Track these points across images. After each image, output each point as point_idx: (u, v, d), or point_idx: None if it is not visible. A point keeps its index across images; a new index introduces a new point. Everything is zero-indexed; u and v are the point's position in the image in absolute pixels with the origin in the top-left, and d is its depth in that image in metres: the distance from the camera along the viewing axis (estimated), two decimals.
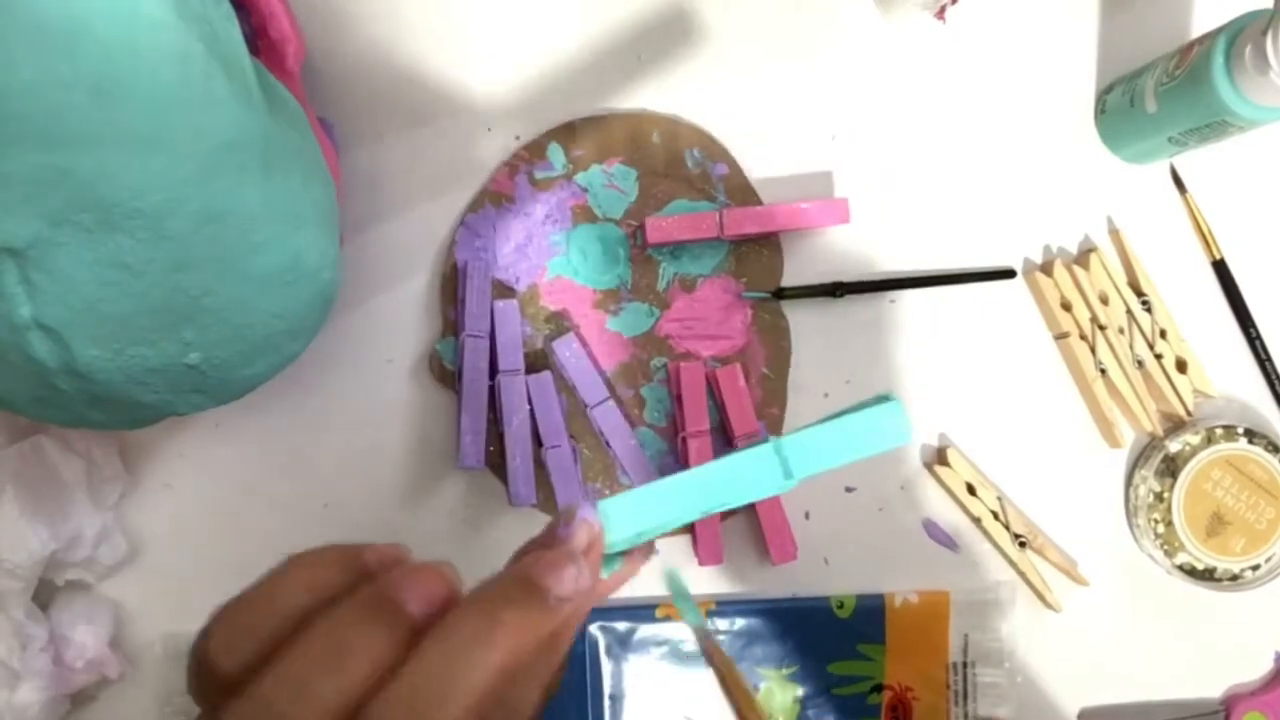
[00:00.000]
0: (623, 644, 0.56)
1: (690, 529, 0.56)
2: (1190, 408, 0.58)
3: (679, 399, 0.55)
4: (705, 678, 0.56)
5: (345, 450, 0.56)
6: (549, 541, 0.29)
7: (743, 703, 0.31)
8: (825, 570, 0.57)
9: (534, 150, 0.56)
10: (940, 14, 0.56)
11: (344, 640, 0.24)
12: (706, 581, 0.57)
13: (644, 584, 0.57)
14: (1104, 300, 0.57)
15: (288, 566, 0.27)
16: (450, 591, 0.26)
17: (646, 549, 0.32)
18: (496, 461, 0.55)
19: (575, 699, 0.56)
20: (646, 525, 0.30)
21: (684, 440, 0.55)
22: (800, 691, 0.57)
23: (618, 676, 0.56)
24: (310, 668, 0.24)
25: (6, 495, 0.50)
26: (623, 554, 0.31)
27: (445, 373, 0.56)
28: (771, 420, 0.56)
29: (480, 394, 0.54)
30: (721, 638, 0.56)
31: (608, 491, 0.56)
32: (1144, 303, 0.57)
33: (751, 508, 0.56)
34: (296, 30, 0.49)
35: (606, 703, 0.56)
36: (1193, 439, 0.57)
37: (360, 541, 0.28)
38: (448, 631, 0.25)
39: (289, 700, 0.24)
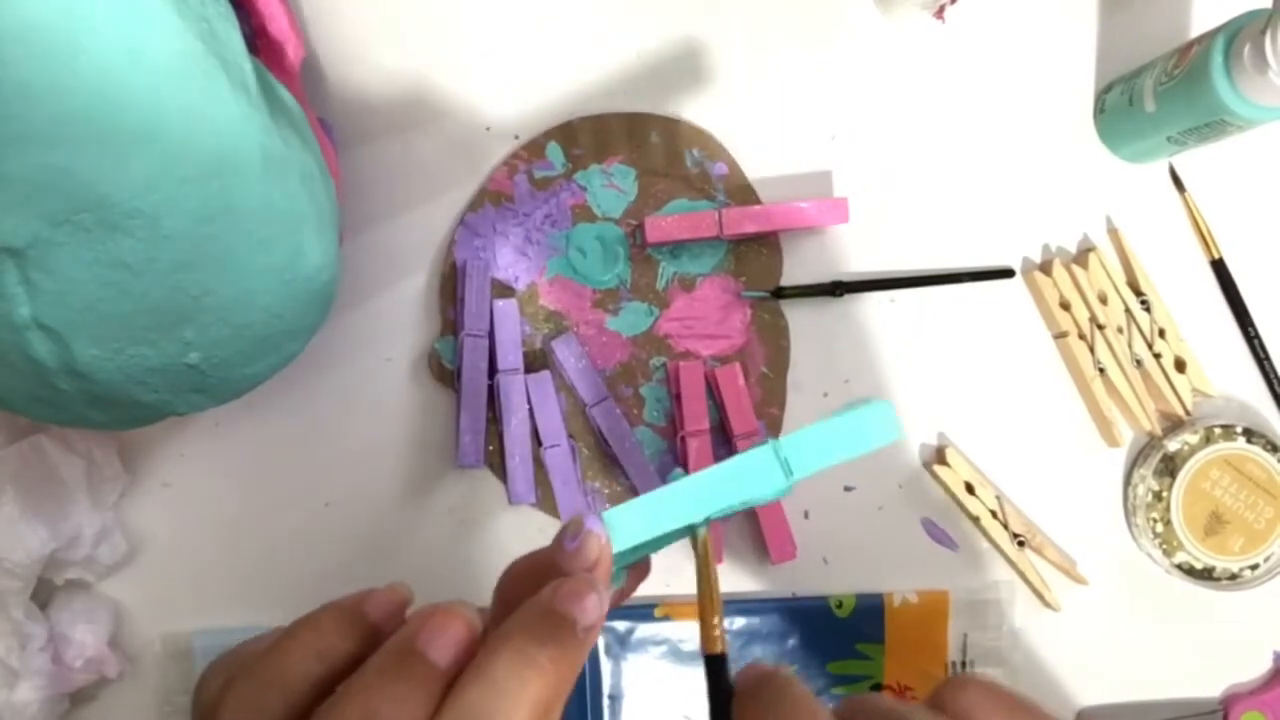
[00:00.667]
0: (622, 644, 0.56)
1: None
2: (1189, 407, 0.58)
3: (678, 398, 0.55)
4: (705, 678, 0.56)
5: (345, 449, 0.56)
6: (555, 555, 0.29)
7: (707, 600, 0.31)
8: (824, 570, 0.57)
9: (533, 150, 0.56)
10: (940, 14, 0.56)
11: (376, 708, 0.24)
12: None
13: (644, 584, 0.57)
14: (1103, 300, 0.57)
15: (291, 634, 0.26)
16: (472, 633, 0.26)
17: (643, 568, 0.32)
18: (495, 460, 0.55)
19: (575, 699, 0.56)
20: (651, 533, 0.30)
21: (683, 439, 0.55)
22: None
23: (617, 676, 0.56)
24: None
25: (6, 495, 0.50)
26: (621, 571, 0.31)
27: (444, 372, 0.56)
28: (771, 420, 0.56)
29: (479, 393, 0.54)
30: None
31: (606, 491, 0.56)
32: (1143, 302, 0.57)
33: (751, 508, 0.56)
34: (296, 30, 0.49)
35: (606, 702, 0.56)
36: (1191, 438, 0.57)
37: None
38: (481, 676, 0.25)
39: None
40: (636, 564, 0.32)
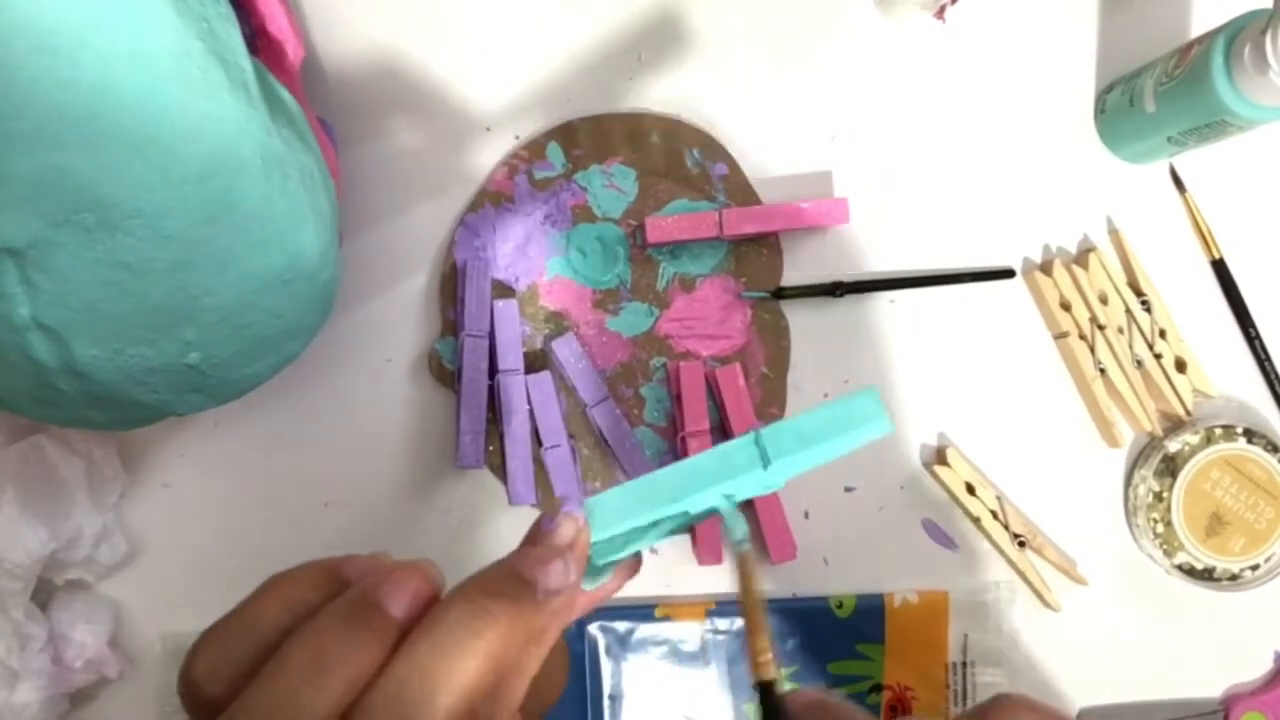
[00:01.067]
0: (622, 644, 0.56)
1: (690, 530, 0.56)
2: (1189, 407, 0.58)
3: (678, 399, 0.55)
4: (705, 677, 0.56)
5: (344, 450, 0.56)
6: (534, 537, 0.29)
7: (755, 626, 0.31)
8: (825, 570, 0.57)
9: (533, 150, 0.56)
10: (940, 14, 0.56)
11: (325, 649, 0.24)
12: (706, 581, 0.57)
13: (643, 583, 0.57)
14: (1103, 300, 0.57)
15: (266, 587, 0.26)
16: (433, 589, 0.26)
17: (633, 564, 0.32)
18: (496, 461, 0.55)
19: (575, 699, 0.56)
20: (631, 520, 0.30)
21: (683, 440, 0.55)
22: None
23: (617, 676, 0.56)
24: (295, 681, 0.24)
25: (6, 495, 0.50)
26: (610, 566, 0.31)
27: (444, 372, 0.56)
28: (771, 420, 0.56)
29: (479, 393, 0.54)
30: (721, 637, 0.56)
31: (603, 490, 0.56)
32: (1143, 302, 0.57)
33: (751, 507, 0.56)
34: (296, 30, 0.49)
35: (606, 703, 0.56)
36: (1192, 439, 0.57)
37: (349, 552, 0.28)
38: (434, 624, 0.25)
39: (279, 714, 0.23)
40: (626, 561, 0.32)
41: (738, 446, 0.31)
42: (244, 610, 0.26)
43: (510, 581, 0.26)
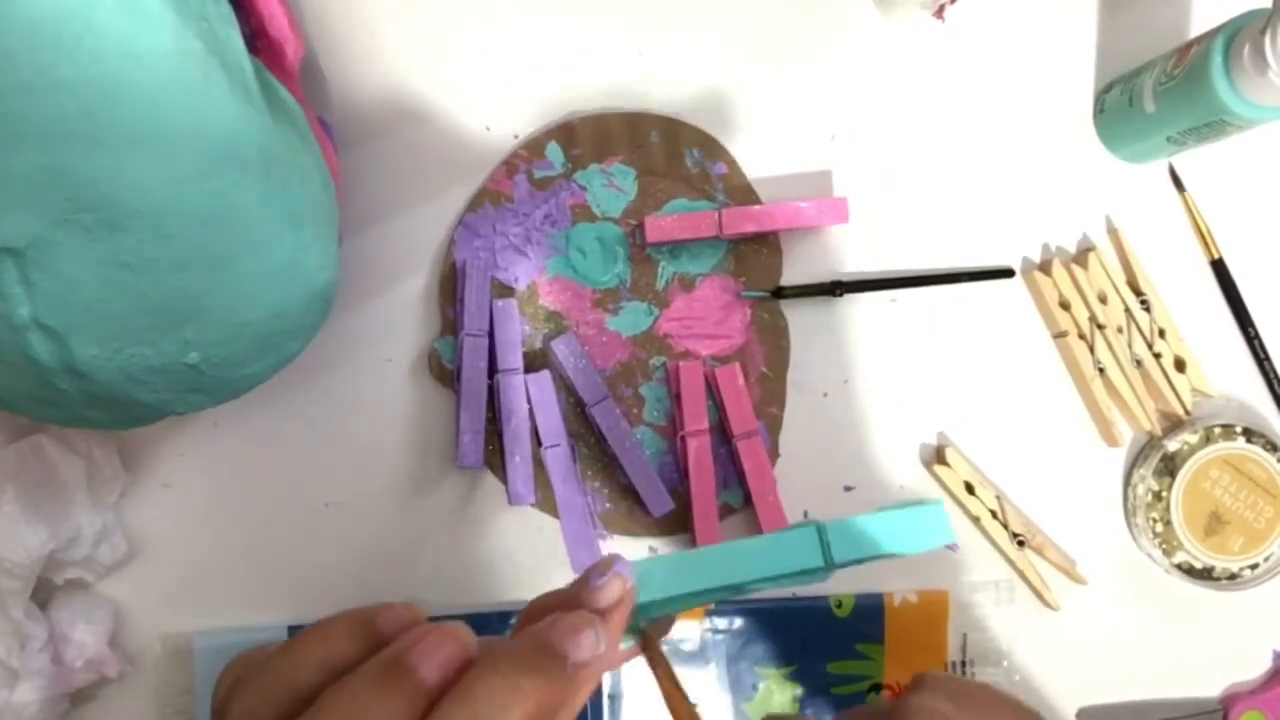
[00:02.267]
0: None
1: (689, 529, 0.56)
2: (1189, 407, 0.58)
3: (678, 398, 0.55)
4: (705, 677, 0.56)
5: (344, 449, 0.56)
6: (579, 590, 0.29)
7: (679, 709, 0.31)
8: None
9: (533, 149, 0.56)
10: (939, 14, 0.56)
11: (356, 712, 0.24)
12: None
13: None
14: (1102, 299, 0.57)
15: (302, 639, 0.27)
16: (465, 654, 0.26)
17: (666, 625, 0.32)
18: (495, 460, 0.55)
19: None
20: (678, 589, 0.30)
21: (683, 439, 0.55)
22: (799, 691, 0.57)
23: (617, 676, 0.56)
24: None
25: (6, 495, 0.50)
26: (644, 628, 0.31)
27: (444, 372, 0.56)
28: (770, 419, 0.56)
29: (479, 393, 0.54)
30: (721, 637, 0.56)
31: (606, 490, 0.56)
32: (1142, 302, 0.57)
33: (750, 506, 0.56)
34: (296, 30, 0.49)
35: (606, 702, 0.56)
36: (1191, 438, 0.57)
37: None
38: (467, 696, 0.25)
39: None
40: (659, 620, 0.32)
41: (798, 537, 0.30)
42: (280, 663, 0.26)
43: (542, 655, 0.26)
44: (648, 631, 0.31)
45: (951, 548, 0.31)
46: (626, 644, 0.31)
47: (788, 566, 0.30)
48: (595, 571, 0.29)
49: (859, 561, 0.31)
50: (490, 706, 0.25)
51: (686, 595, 0.30)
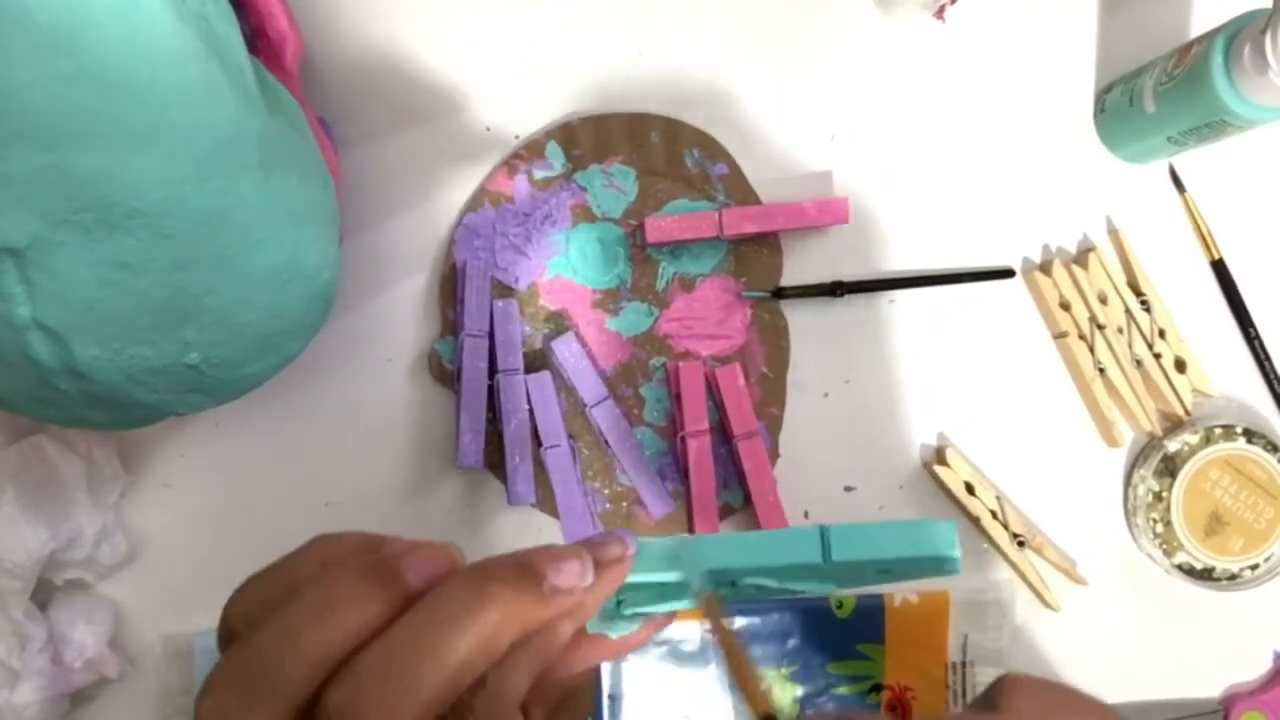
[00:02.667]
0: None
1: (689, 529, 0.56)
2: (1189, 407, 0.58)
3: (678, 398, 0.55)
4: (705, 677, 0.56)
5: (344, 449, 0.56)
6: (579, 541, 0.29)
7: (747, 683, 0.31)
8: None
9: (533, 150, 0.56)
10: (940, 14, 0.56)
11: (335, 595, 0.25)
12: None
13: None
14: (1103, 300, 0.57)
15: (310, 544, 0.28)
16: (451, 567, 0.27)
17: (665, 619, 0.32)
18: (495, 461, 0.55)
19: None
20: (672, 572, 0.30)
21: (683, 440, 0.55)
22: (800, 691, 0.57)
23: (617, 676, 0.56)
24: (302, 618, 0.25)
25: (6, 495, 0.50)
26: (639, 618, 0.31)
27: (444, 372, 0.56)
28: (771, 419, 0.56)
29: (479, 393, 0.54)
30: None
31: (606, 490, 0.56)
32: (1143, 302, 0.57)
33: (750, 506, 0.56)
34: (295, 29, 0.49)
35: (606, 702, 0.56)
36: (1191, 438, 0.57)
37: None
38: (436, 596, 0.25)
39: (277, 648, 0.24)
40: (655, 618, 0.32)
41: (800, 535, 0.30)
42: (284, 562, 0.28)
43: (517, 569, 0.27)
44: (711, 600, 0.31)
45: (951, 570, 0.30)
46: (615, 631, 0.31)
47: (786, 558, 0.30)
48: (597, 535, 0.30)
49: (860, 569, 0.30)
50: (456, 604, 0.25)
51: (678, 585, 0.30)
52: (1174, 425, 0.58)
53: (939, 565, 0.30)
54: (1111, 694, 0.59)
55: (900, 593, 0.57)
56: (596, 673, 0.56)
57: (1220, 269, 0.58)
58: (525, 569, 0.27)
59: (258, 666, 0.24)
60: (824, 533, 0.30)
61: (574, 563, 0.27)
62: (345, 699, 0.24)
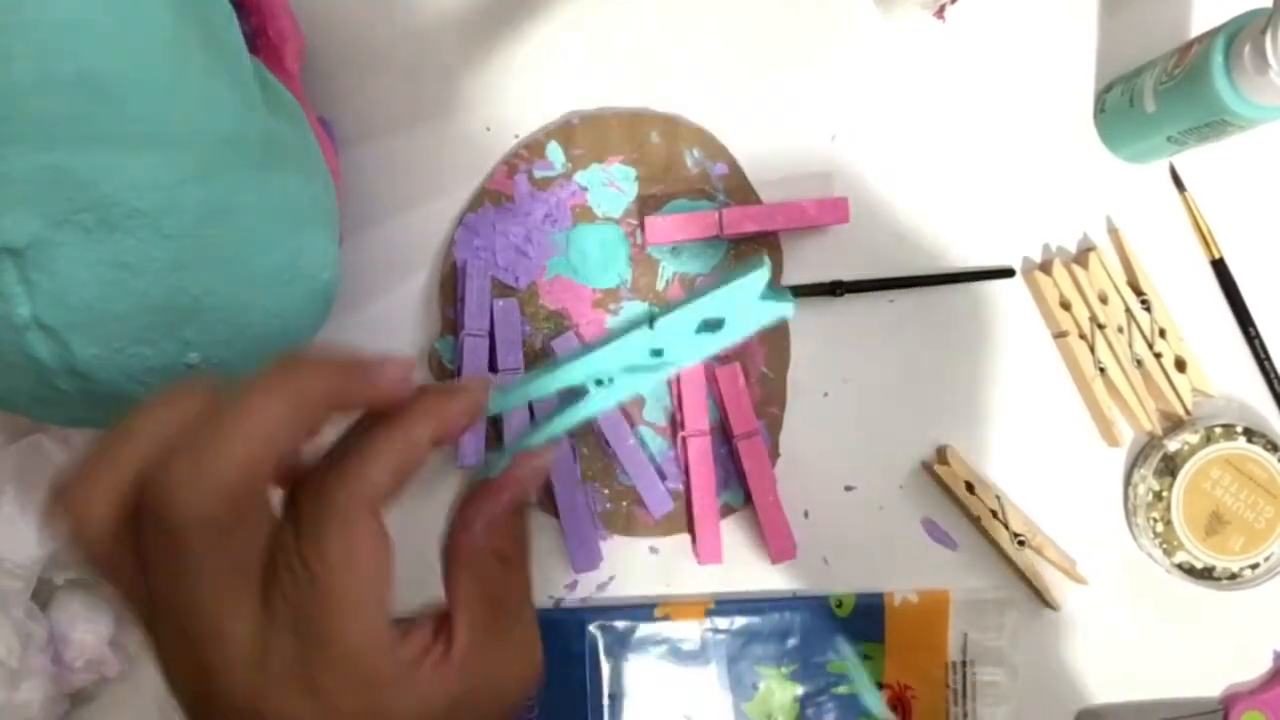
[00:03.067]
0: (622, 643, 0.56)
1: (689, 529, 0.56)
2: (1189, 407, 0.58)
3: (678, 398, 0.55)
4: (705, 676, 0.56)
5: None
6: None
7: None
8: (825, 569, 0.57)
9: (533, 149, 0.56)
10: (940, 13, 0.56)
11: (179, 389, 0.27)
12: (706, 581, 0.57)
13: (643, 583, 0.57)
14: (1103, 299, 0.57)
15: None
16: (408, 387, 0.29)
17: (553, 443, 0.34)
18: None
19: (575, 699, 0.56)
20: (531, 392, 0.33)
21: (683, 440, 0.55)
22: (800, 690, 0.57)
23: (617, 676, 0.56)
24: (144, 410, 0.27)
25: (6, 495, 0.50)
26: (517, 449, 0.33)
27: (444, 371, 0.56)
28: (771, 419, 0.56)
29: None
30: (720, 637, 0.56)
31: (606, 490, 0.56)
32: (1143, 302, 0.57)
33: (750, 506, 0.56)
34: (296, 29, 0.49)
35: (606, 702, 0.56)
36: (1192, 438, 0.57)
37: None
38: (252, 376, 0.27)
39: (117, 433, 0.27)
40: (530, 451, 0.33)
41: (632, 328, 0.33)
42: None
43: (335, 356, 0.28)
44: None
45: (774, 300, 0.33)
46: (492, 472, 0.33)
47: (620, 334, 0.33)
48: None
49: (687, 323, 0.33)
50: (265, 376, 0.27)
51: (547, 417, 0.33)
52: (1174, 425, 0.58)
53: (752, 289, 0.34)
54: (1111, 694, 0.59)
55: (900, 592, 0.57)
56: (587, 657, 0.56)
57: (1220, 268, 0.58)
58: (348, 357, 0.28)
59: (96, 449, 0.26)
60: (650, 316, 0.33)
61: (395, 366, 0.29)
62: (157, 469, 0.25)
